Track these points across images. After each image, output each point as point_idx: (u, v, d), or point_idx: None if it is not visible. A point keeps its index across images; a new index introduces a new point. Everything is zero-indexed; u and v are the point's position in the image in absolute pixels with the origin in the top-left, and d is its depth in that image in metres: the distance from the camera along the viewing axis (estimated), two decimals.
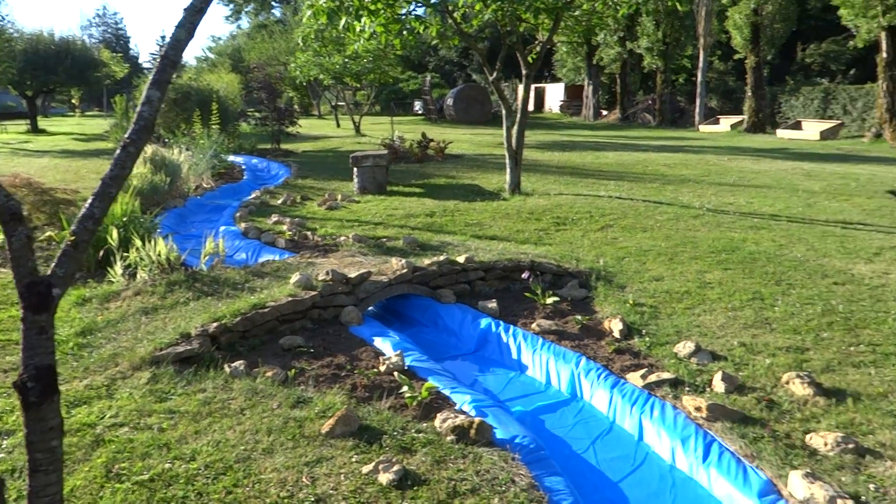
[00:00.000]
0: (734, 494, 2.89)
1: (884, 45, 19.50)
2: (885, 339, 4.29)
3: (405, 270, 5.40)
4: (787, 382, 3.71)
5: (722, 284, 5.53)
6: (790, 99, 26.69)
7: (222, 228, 7.98)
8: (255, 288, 5.07)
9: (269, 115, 19.11)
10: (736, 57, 27.62)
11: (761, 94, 25.08)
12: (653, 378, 3.83)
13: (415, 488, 2.71)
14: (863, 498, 2.71)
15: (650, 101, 31.99)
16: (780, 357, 4.08)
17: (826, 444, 3.08)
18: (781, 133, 22.82)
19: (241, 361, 3.92)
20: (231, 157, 15.11)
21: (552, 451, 3.30)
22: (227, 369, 3.80)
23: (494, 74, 10.36)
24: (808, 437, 3.17)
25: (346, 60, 21.09)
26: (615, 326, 4.65)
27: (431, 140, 16.09)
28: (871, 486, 2.78)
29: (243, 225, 8.06)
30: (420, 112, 37.66)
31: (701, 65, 27.50)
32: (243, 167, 14.81)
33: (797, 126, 23.34)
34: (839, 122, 22.82)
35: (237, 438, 3.07)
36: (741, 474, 2.94)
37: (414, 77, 42.05)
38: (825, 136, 21.28)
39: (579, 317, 4.89)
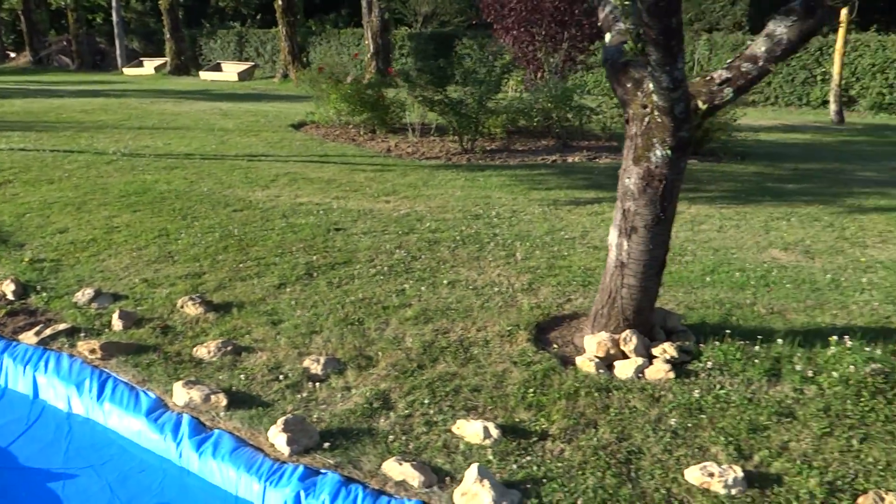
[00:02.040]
0: (126, 420, 3.06)
1: None
2: (268, 253, 4.98)
3: None
4: (182, 306, 4.02)
5: (130, 227, 5.58)
6: (209, 41, 27.63)
7: None
8: None
9: None
10: None
11: (180, 36, 25.31)
12: (48, 332, 3.70)
13: None
14: (234, 388, 3.17)
15: (65, 43, 29.24)
16: (179, 285, 4.38)
17: (209, 352, 3.47)
18: (204, 75, 23.61)
19: None
20: None
21: None
22: None
23: None
24: (195, 350, 3.52)
25: None
26: (7, 289, 4.29)
27: None
28: (243, 377, 3.27)
29: None
30: None
31: (115, 4, 26.20)
32: None
33: (218, 68, 24.44)
34: (254, 63, 24.73)
35: None
36: (133, 400, 3.11)
37: None
38: (242, 77, 22.84)
39: None
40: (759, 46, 2.99)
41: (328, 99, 11.53)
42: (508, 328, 3.73)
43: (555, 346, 3.59)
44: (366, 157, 9.42)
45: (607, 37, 3.37)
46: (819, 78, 17.24)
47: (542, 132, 11.04)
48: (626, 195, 3.27)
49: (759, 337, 3.58)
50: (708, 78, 3.10)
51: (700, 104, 3.05)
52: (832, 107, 14.38)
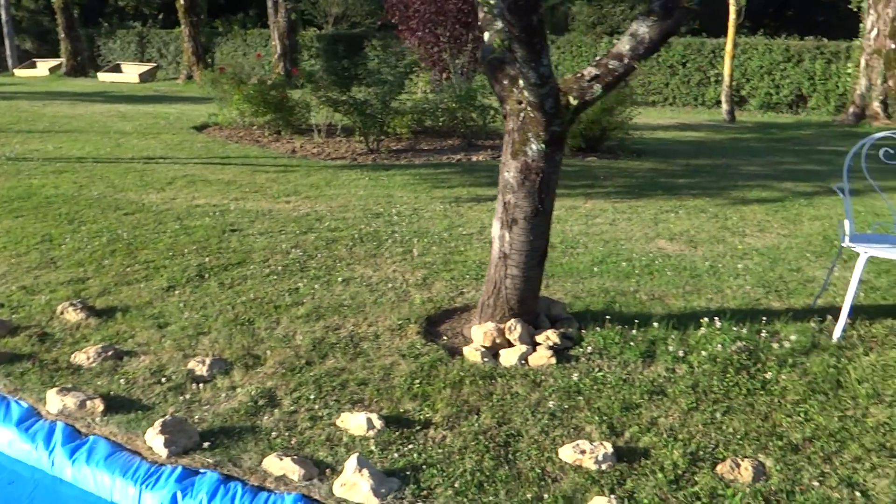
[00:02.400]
0: None
1: None
2: (158, 256, 4.85)
3: None
4: (62, 313, 3.87)
5: (10, 233, 5.32)
6: (108, 41, 26.53)
7: None
8: None
9: None
10: None
11: (76, 35, 24.19)
12: None
13: None
14: (112, 393, 3.08)
15: None
16: (61, 291, 4.21)
17: (88, 358, 3.35)
18: (103, 76, 22.65)
19: None
20: None
21: None
22: None
23: None
24: (73, 356, 3.40)
25: None
26: None
27: None
28: (123, 381, 3.18)
29: None
30: None
31: (3, 1, 24.80)
32: None
33: (117, 69, 23.48)
34: (156, 64, 23.90)
35: None
36: (2, 410, 2.97)
37: None
38: (144, 78, 22.04)
39: None
40: (624, 45, 3.15)
41: (231, 100, 11.30)
42: (399, 322, 3.77)
43: (444, 337, 3.65)
44: (269, 158, 9.29)
45: (486, 35, 3.46)
46: (713, 79, 18.12)
47: (448, 132, 11.15)
48: (506, 188, 3.37)
49: (637, 322, 3.76)
50: (578, 75, 3.24)
51: (571, 100, 3.18)
52: (724, 106, 15.14)
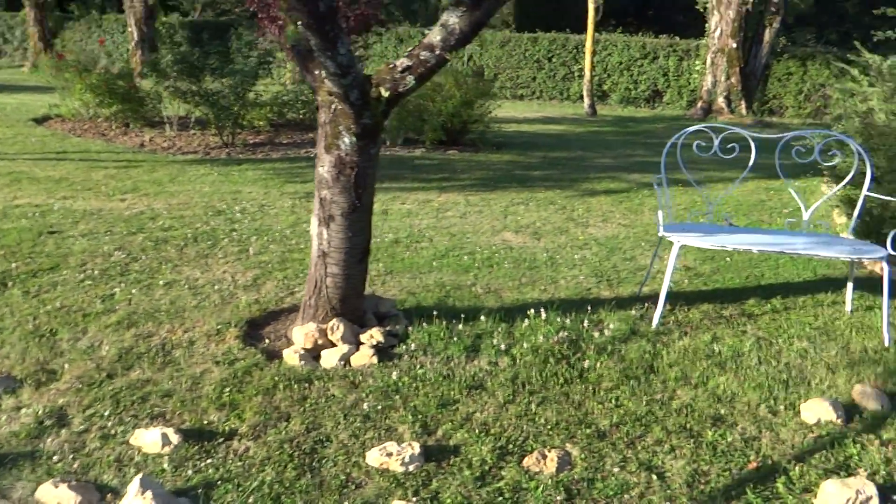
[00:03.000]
0: None
1: None
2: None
3: None
4: None
5: None
6: None
7: None
8: None
9: None
10: None
11: None
12: None
13: None
14: None
15: None
16: None
17: None
18: None
19: None
20: None
21: None
22: None
23: None
24: None
25: None
26: None
27: None
28: None
29: None
30: None
31: None
32: None
33: None
34: None
35: None
36: None
37: None
38: None
39: None
40: (435, 36, 3.09)
41: (73, 90, 10.52)
42: (218, 327, 3.56)
43: (266, 340, 3.49)
44: (113, 153, 8.70)
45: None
46: (577, 74, 18.74)
47: (312, 124, 10.88)
48: (321, 184, 3.24)
49: (464, 316, 3.74)
50: (391, 66, 3.16)
51: (383, 91, 3.09)
52: (585, 100, 15.68)
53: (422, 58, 3.10)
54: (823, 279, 4.78)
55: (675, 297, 4.32)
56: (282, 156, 9.00)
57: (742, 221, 6.44)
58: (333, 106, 3.08)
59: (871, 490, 2.35)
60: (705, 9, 15.33)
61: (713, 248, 3.76)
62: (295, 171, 7.99)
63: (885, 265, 3.69)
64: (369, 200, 3.32)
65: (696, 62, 16.81)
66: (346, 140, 3.10)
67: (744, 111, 14.69)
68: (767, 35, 14.84)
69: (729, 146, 4.23)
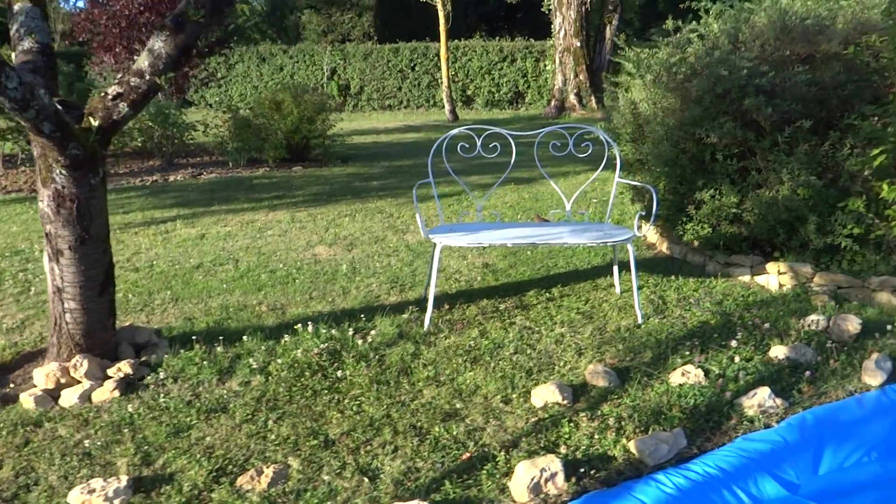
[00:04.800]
0: None
1: None
2: None
3: None
4: None
5: None
6: None
7: None
8: None
9: None
10: None
11: None
12: None
13: None
14: None
15: None
16: None
17: None
18: None
19: None
20: None
21: None
22: None
23: None
24: None
25: None
26: None
27: None
28: None
29: None
30: None
31: None
32: None
33: None
34: None
35: None
36: None
37: None
38: None
39: None
40: (143, 61, 3.06)
41: None
42: None
43: (11, 385, 3.34)
44: None
45: (12, 55, 3.20)
46: (440, 81, 19.03)
47: (152, 152, 10.57)
48: (44, 218, 3.15)
49: (224, 338, 3.71)
50: (103, 94, 3.10)
51: (93, 121, 3.03)
52: (446, 106, 15.95)
53: (132, 84, 3.07)
54: (609, 264, 5.04)
55: (461, 296, 4.44)
56: (114, 186, 8.69)
57: (528, 216, 6.64)
58: (40, 139, 2.99)
59: (556, 466, 2.48)
60: (549, 10, 15.93)
61: (469, 245, 3.89)
62: (120, 201, 7.73)
63: (629, 247, 3.92)
64: (100, 231, 3.24)
65: (548, 62, 17.41)
66: (59, 172, 3.02)
67: (595, 106, 15.32)
68: (608, 32, 15.55)
69: (491, 145, 4.39)
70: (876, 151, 4.01)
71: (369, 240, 5.94)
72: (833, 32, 4.35)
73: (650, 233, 5.64)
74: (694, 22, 5.27)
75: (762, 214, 4.43)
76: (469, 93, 18.76)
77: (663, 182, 4.92)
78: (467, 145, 4.54)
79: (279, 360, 3.45)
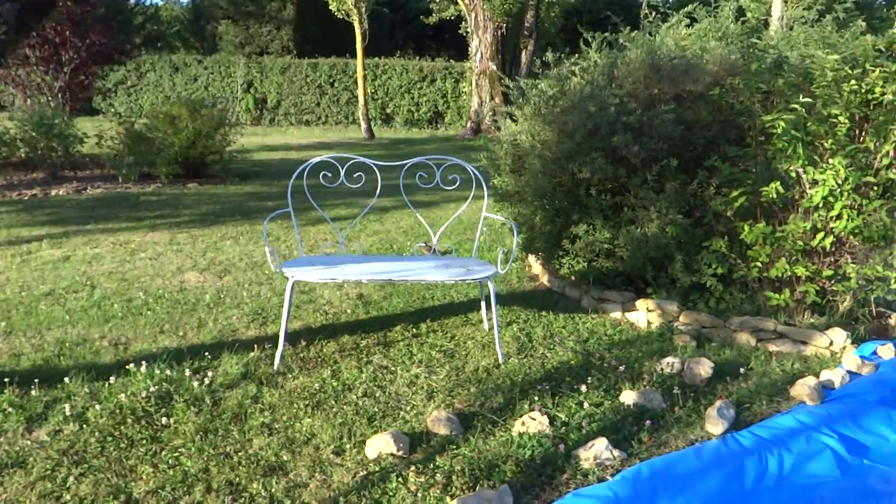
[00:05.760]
0: None
1: None
2: None
3: None
4: None
5: None
6: None
7: None
8: None
9: None
10: None
11: None
12: None
13: None
14: None
15: None
16: None
17: None
18: None
19: None
20: None
21: None
22: None
23: None
24: None
25: None
26: None
27: None
28: None
29: None
30: None
31: None
32: None
33: None
34: None
35: None
36: None
37: None
38: None
39: None
40: None
41: None
42: None
43: None
44: None
45: None
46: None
47: (37, 164, 9.97)
48: None
49: (39, 380, 3.40)
50: None
51: None
52: (362, 124, 15.76)
53: None
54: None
55: (324, 330, 4.25)
56: None
57: (402, 249, 6.31)
58: None
59: None
60: (467, 33, 16.01)
61: (322, 280, 3.70)
62: None
63: (489, 284, 3.81)
64: None
65: (465, 84, 17.49)
66: None
67: None
68: (524, 57, 15.73)
69: (356, 175, 4.23)
70: (736, 193, 4.03)
71: (246, 265, 5.67)
72: (701, 72, 4.39)
73: (535, 265, 5.59)
74: (576, 55, 5.27)
75: (633, 251, 4.41)
76: (388, 111, 18.64)
77: (540, 215, 4.86)
78: (329, 174, 4.35)
79: (99, 406, 3.16)
